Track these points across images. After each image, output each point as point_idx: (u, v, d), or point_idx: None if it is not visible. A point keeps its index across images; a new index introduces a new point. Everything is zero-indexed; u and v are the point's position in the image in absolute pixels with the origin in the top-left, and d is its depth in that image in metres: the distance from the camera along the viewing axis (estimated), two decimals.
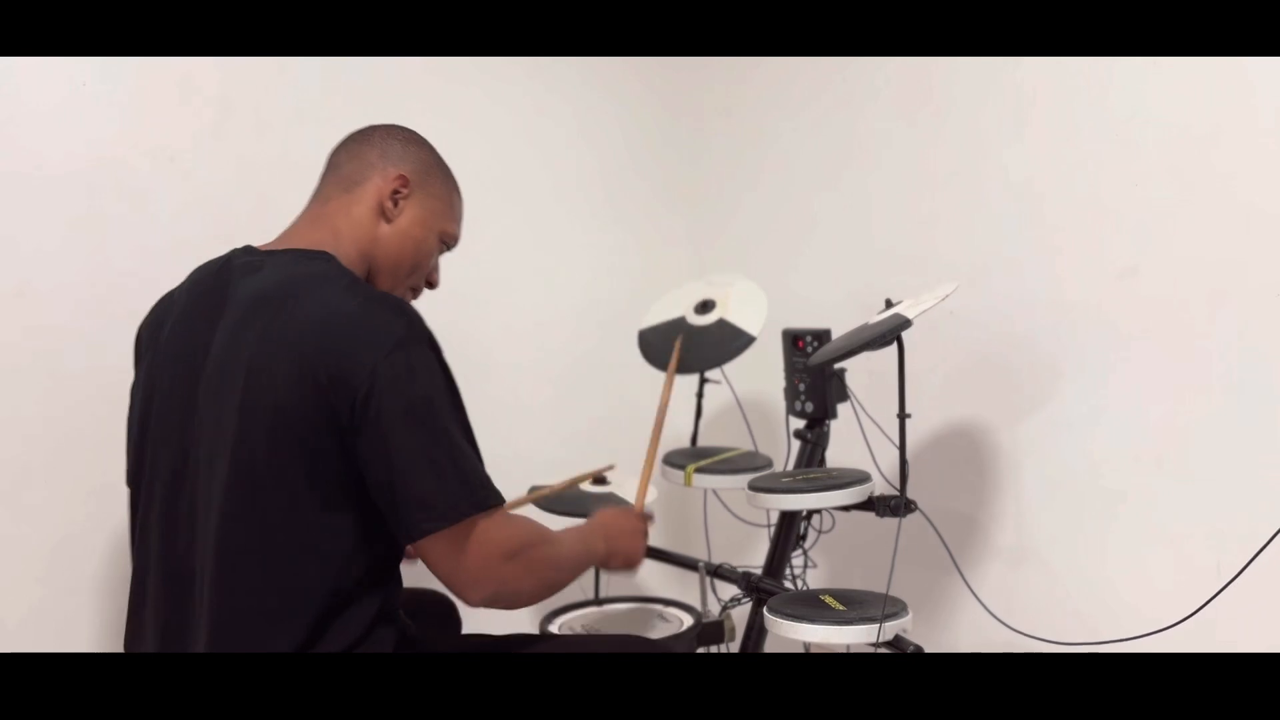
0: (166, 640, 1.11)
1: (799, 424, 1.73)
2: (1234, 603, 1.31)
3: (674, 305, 1.85)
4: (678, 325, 1.80)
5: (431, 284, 1.32)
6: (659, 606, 1.78)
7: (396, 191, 1.22)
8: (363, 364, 1.03)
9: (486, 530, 1.06)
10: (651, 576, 2.16)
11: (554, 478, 1.73)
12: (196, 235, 1.37)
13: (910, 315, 1.39)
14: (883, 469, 1.63)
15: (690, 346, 1.76)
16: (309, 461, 1.04)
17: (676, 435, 2.06)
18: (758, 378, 1.93)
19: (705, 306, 1.80)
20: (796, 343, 1.72)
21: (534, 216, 2.09)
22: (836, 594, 1.46)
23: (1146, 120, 1.54)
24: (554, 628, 1.71)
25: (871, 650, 1.38)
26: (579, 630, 1.70)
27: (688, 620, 1.69)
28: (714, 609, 1.72)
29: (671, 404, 1.66)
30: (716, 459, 1.75)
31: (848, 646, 1.39)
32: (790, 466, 1.77)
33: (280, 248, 1.17)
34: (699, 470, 1.70)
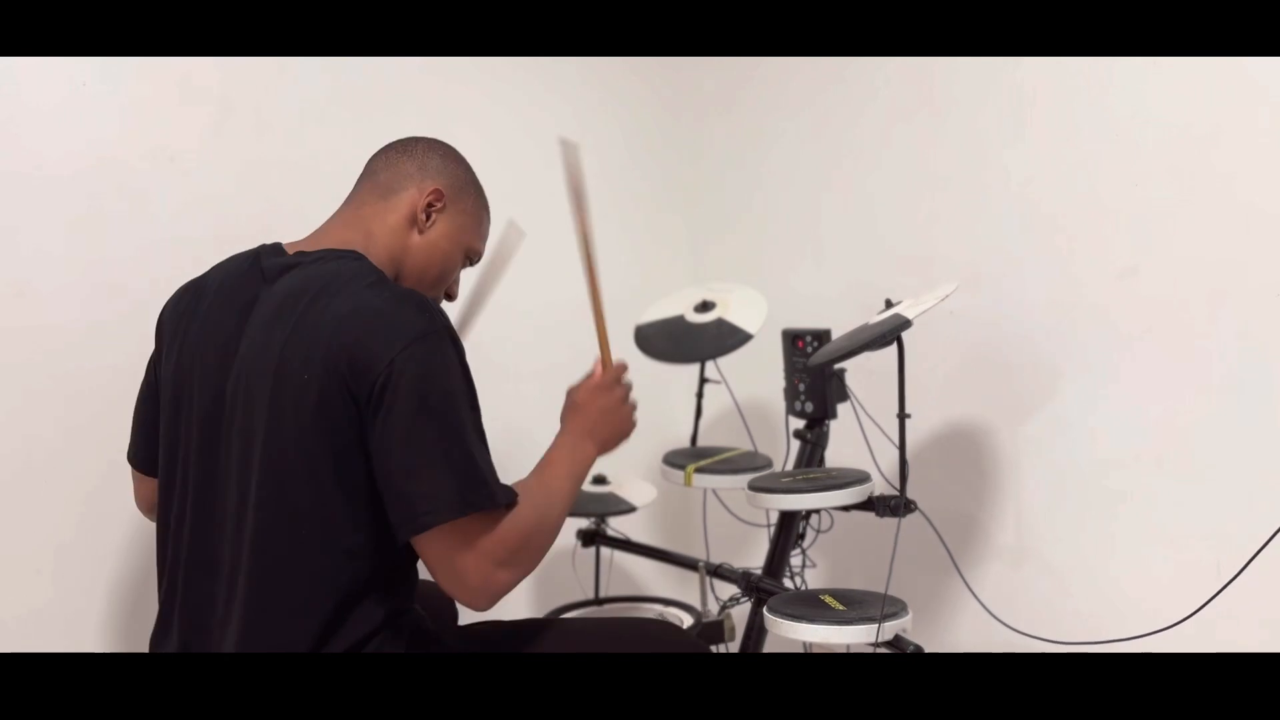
0: (194, 633, 1.12)
1: (799, 424, 1.73)
2: (1234, 602, 1.31)
3: (673, 305, 1.85)
4: (676, 323, 1.80)
5: (450, 296, 1.35)
6: (659, 606, 1.79)
7: (431, 204, 1.25)
8: (382, 355, 1.04)
9: (486, 533, 1.05)
10: (651, 576, 2.17)
11: None
12: (197, 235, 1.37)
13: (910, 315, 1.39)
14: (882, 469, 1.63)
15: (686, 339, 1.76)
16: (335, 456, 1.06)
17: (676, 435, 2.06)
18: (757, 378, 1.93)
19: (705, 306, 1.81)
20: (796, 343, 1.72)
21: (534, 216, 2.09)
22: (836, 594, 1.46)
23: (1146, 120, 1.54)
24: None
25: (871, 650, 1.38)
26: None
27: (688, 620, 1.69)
28: (714, 609, 1.72)
29: (665, 400, 1.65)
30: (716, 459, 1.75)
31: (847, 646, 1.39)
32: (790, 466, 1.77)
33: (312, 247, 1.19)
34: (699, 470, 1.70)
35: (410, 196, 1.24)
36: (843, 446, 1.71)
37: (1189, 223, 1.50)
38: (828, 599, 1.45)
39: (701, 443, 1.88)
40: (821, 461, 1.71)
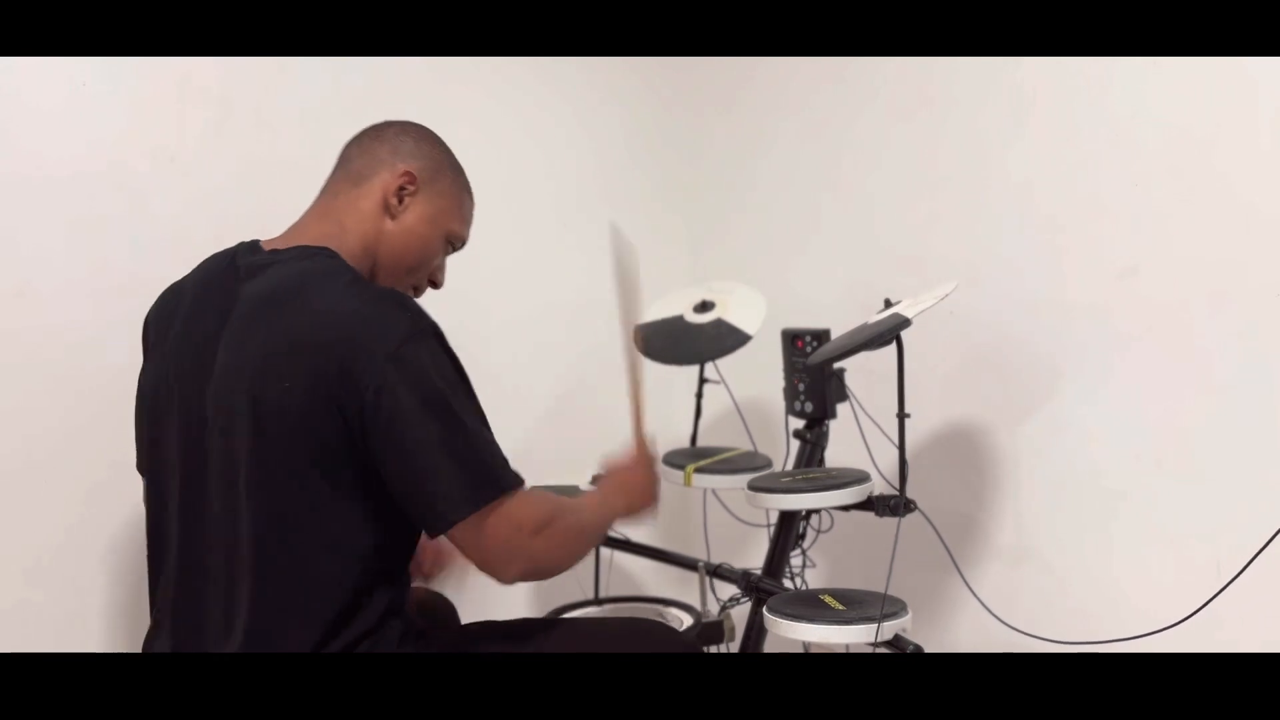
0: (183, 636, 1.12)
1: (798, 424, 1.73)
2: (1234, 602, 1.31)
3: (673, 304, 1.85)
4: (675, 323, 1.80)
5: (435, 284, 1.32)
6: (659, 606, 1.78)
7: (402, 188, 1.22)
8: (370, 362, 1.03)
9: (511, 510, 1.07)
10: (651, 576, 2.16)
11: (553, 477, 1.73)
12: (197, 235, 1.37)
13: (909, 315, 1.39)
14: (882, 469, 1.63)
15: (685, 340, 1.76)
16: (322, 459, 1.05)
17: (676, 435, 2.06)
18: (757, 378, 1.93)
19: (704, 306, 1.80)
20: (796, 342, 1.72)
21: (533, 215, 2.09)
22: (836, 594, 1.46)
23: (1146, 120, 1.54)
24: None
25: (871, 650, 1.38)
26: None
27: (687, 620, 1.69)
28: (713, 609, 1.72)
29: (664, 400, 1.65)
30: (716, 459, 1.75)
31: (847, 646, 1.39)
32: (790, 466, 1.77)
33: (286, 244, 1.17)
34: (698, 470, 1.70)
35: (382, 181, 1.21)
36: (842, 446, 1.71)
37: (1189, 223, 1.50)
38: (827, 599, 1.45)
39: (701, 443, 1.88)
40: (821, 461, 1.71)
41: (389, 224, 1.22)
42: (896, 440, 1.43)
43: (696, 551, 1.89)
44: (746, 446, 1.86)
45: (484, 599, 1.50)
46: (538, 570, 1.13)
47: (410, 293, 1.29)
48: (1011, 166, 1.71)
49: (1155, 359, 1.54)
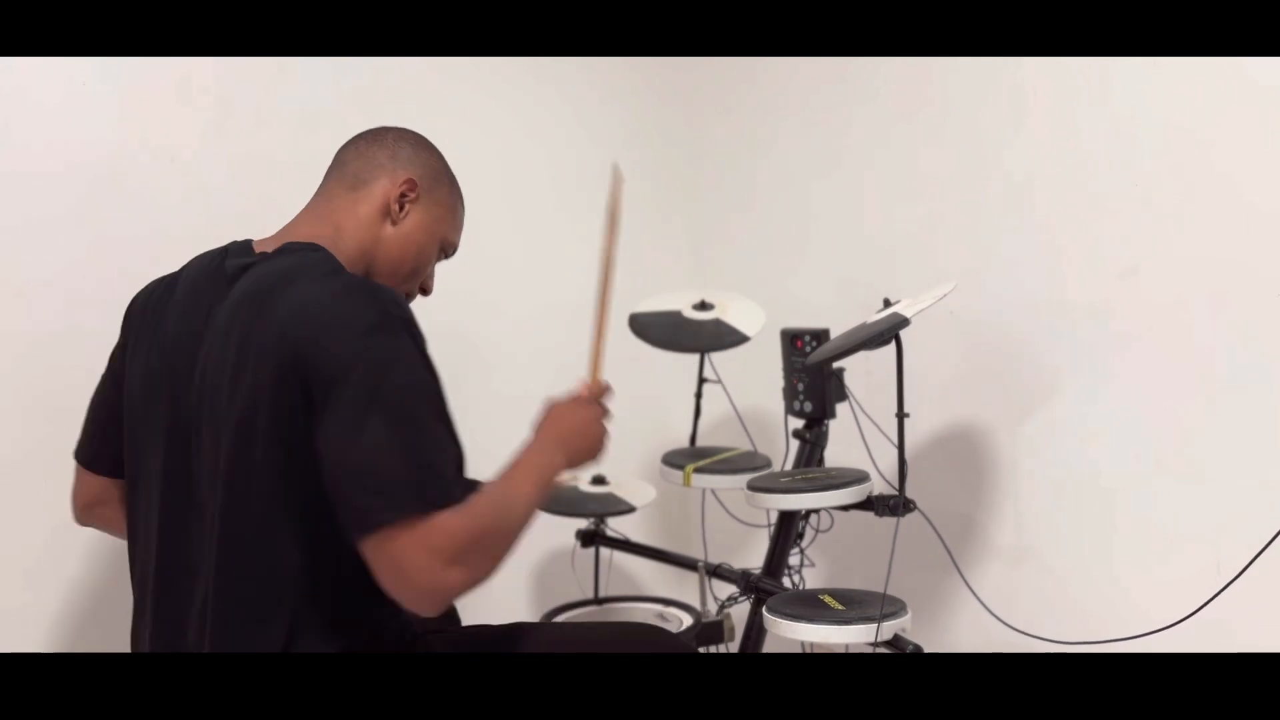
0: (165, 635, 1.11)
1: (798, 424, 1.73)
2: (1234, 602, 1.31)
3: (671, 300, 1.85)
4: (674, 316, 1.80)
5: (425, 290, 1.31)
6: (658, 606, 1.78)
7: (404, 195, 1.22)
8: (333, 349, 1.01)
9: (438, 529, 0.97)
10: (651, 576, 2.16)
11: None
12: (197, 234, 1.36)
13: (908, 314, 1.39)
14: (881, 469, 1.63)
15: (683, 333, 1.76)
16: (295, 456, 1.03)
17: (675, 435, 2.06)
18: (756, 378, 1.93)
19: (703, 306, 1.81)
20: (795, 342, 1.72)
21: (533, 215, 2.09)
22: (835, 594, 1.46)
23: (1146, 120, 1.54)
24: None
25: (870, 650, 1.38)
26: None
27: (687, 620, 1.69)
28: (713, 609, 1.72)
29: (664, 400, 1.64)
30: (715, 459, 1.75)
31: (846, 646, 1.39)
32: (789, 466, 1.77)
33: (277, 243, 1.17)
34: (698, 470, 1.70)
35: (382, 187, 1.21)
36: (842, 446, 1.71)
37: (1189, 223, 1.50)
38: (827, 599, 1.45)
39: (700, 443, 1.88)
40: (821, 461, 1.71)
41: (388, 230, 1.21)
42: (896, 440, 1.43)
43: (696, 551, 1.89)
44: (746, 446, 1.86)
45: (484, 599, 1.50)
46: (448, 599, 1.01)
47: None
48: (1011, 166, 1.71)
49: (1155, 359, 1.54)
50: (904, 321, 1.38)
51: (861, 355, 1.44)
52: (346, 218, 1.20)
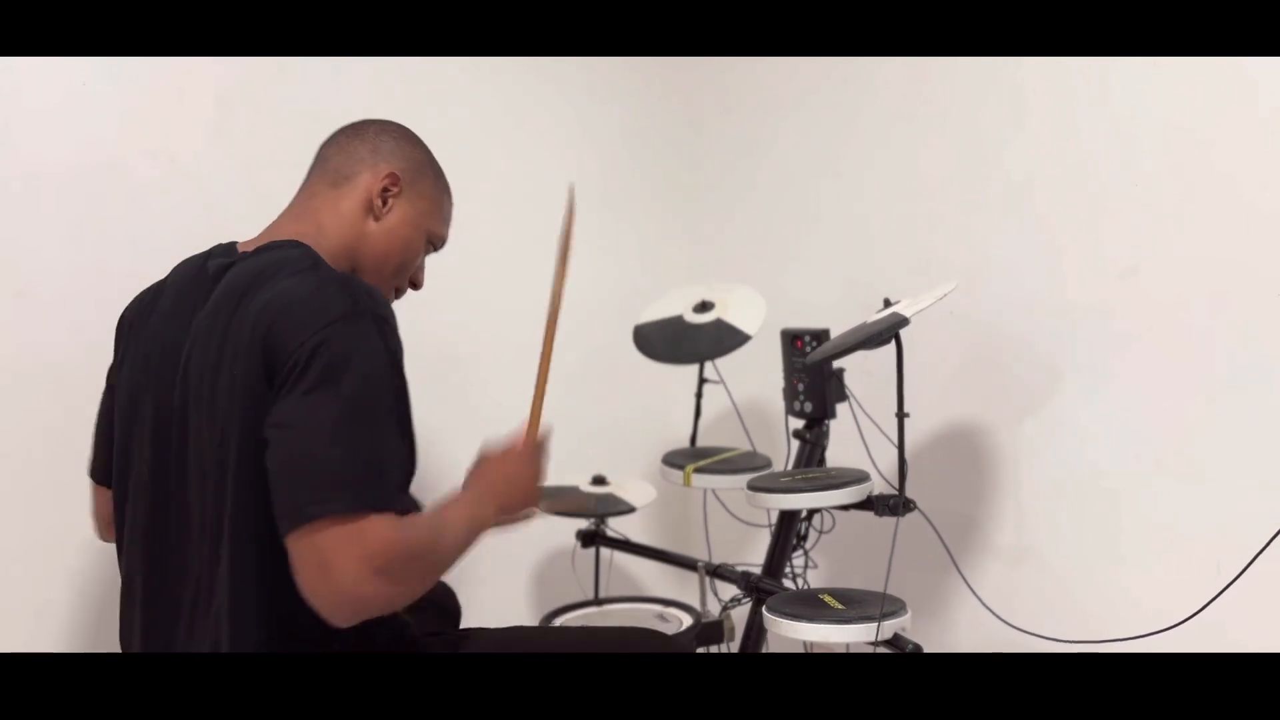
0: (153, 641, 1.11)
1: (798, 424, 1.73)
2: (1234, 602, 1.31)
3: (672, 304, 1.85)
4: (675, 323, 1.80)
5: (415, 285, 1.30)
6: (659, 606, 1.78)
7: (386, 189, 1.20)
8: (297, 335, 0.99)
9: (373, 535, 0.94)
10: (651, 576, 2.16)
11: (552, 479, 1.72)
12: (197, 235, 1.36)
13: (908, 314, 1.39)
14: (882, 468, 1.63)
15: (685, 340, 1.76)
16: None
17: (675, 435, 2.06)
18: (757, 378, 1.93)
19: (704, 306, 1.81)
20: (795, 342, 1.72)
21: (531, 217, 2.09)
22: (836, 593, 1.46)
23: (1146, 120, 1.54)
24: None
25: (871, 649, 1.38)
26: None
27: (687, 620, 1.69)
28: (714, 609, 1.72)
29: (664, 400, 1.64)
30: (715, 459, 1.75)
31: (847, 646, 1.39)
32: (789, 466, 1.77)
33: (260, 243, 1.16)
34: (698, 470, 1.70)
35: (364, 182, 1.19)
36: (842, 446, 1.71)
37: (1189, 223, 1.50)
38: (827, 598, 1.45)
39: (701, 443, 1.88)
40: (821, 461, 1.71)
41: (372, 226, 1.20)
42: (896, 440, 1.43)
43: (696, 551, 1.89)
44: (746, 446, 1.86)
45: (485, 598, 1.51)
46: (366, 609, 0.97)
47: (392, 295, 1.28)
48: (1011, 166, 1.71)
49: (1155, 359, 1.54)
50: (904, 321, 1.38)
51: (861, 355, 1.44)
52: (329, 214, 1.19)
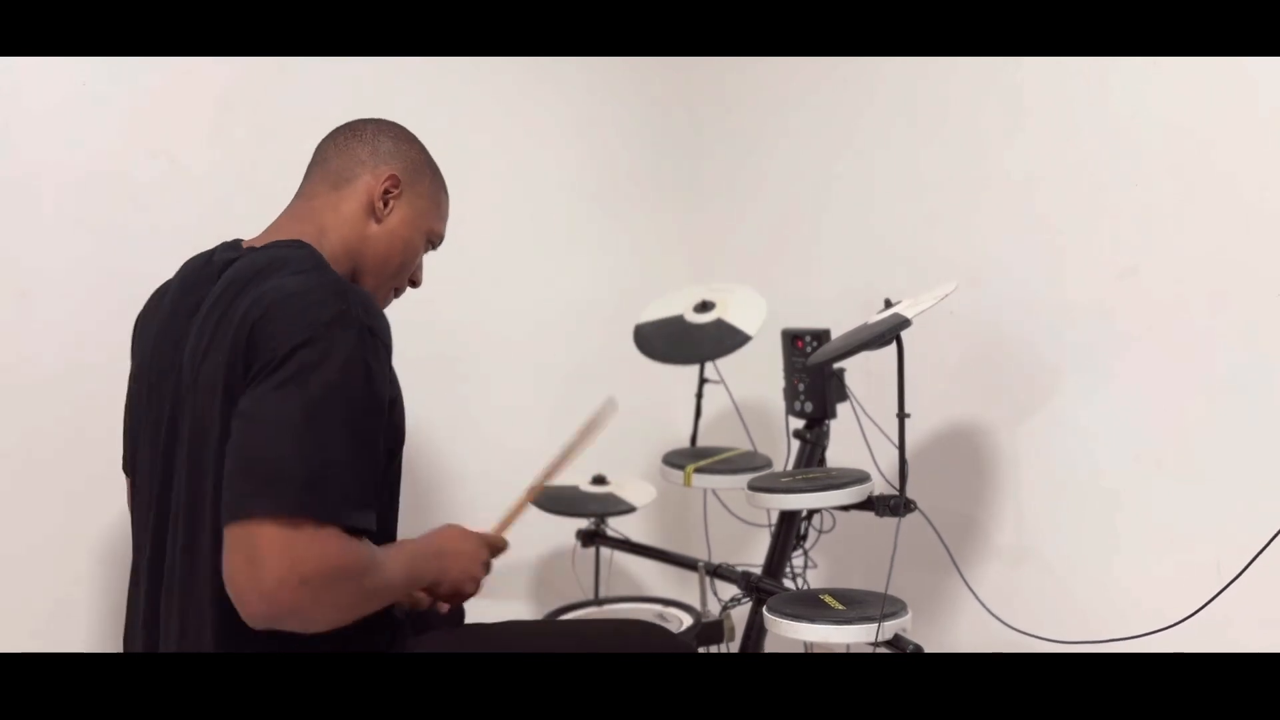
0: (150, 632, 1.11)
1: (798, 424, 1.73)
2: (1234, 602, 1.31)
3: (673, 304, 1.85)
4: (676, 322, 1.80)
5: (415, 283, 1.31)
6: (659, 606, 1.78)
7: (387, 191, 1.21)
8: (279, 333, 0.99)
9: (309, 543, 0.93)
10: (651, 576, 2.16)
11: (552, 480, 1.72)
12: (197, 235, 1.37)
13: (909, 315, 1.39)
14: (882, 469, 1.63)
15: (685, 341, 1.76)
16: None
17: (676, 435, 2.06)
18: (757, 378, 1.93)
19: (704, 306, 1.81)
20: (796, 343, 1.72)
21: (531, 217, 2.09)
22: (836, 594, 1.46)
23: (1146, 120, 1.54)
24: None
25: (871, 650, 1.38)
26: None
27: (687, 620, 1.69)
28: (714, 609, 1.72)
29: (665, 400, 1.64)
30: (716, 459, 1.75)
31: (847, 646, 1.39)
32: (790, 466, 1.77)
33: (263, 243, 1.17)
34: (698, 470, 1.70)
35: (365, 184, 1.20)
36: (842, 446, 1.71)
37: (1189, 223, 1.50)
38: (827, 599, 1.45)
39: (701, 443, 1.88)
40: (821, 461, 1.71)
41: (373, 227, 1.21)
42: (896, 440, 1.43)
43: (697, 551, 1.89)
44: (746, 446, 1.86)
45: (485, 598, 1.50)
46: (284, 615, 0.95)
47: (392, 295, 1.29)
48: (1011, 166, 1.71)
49: (1155, 359, 1.54)
50: (905, 322, 1.38)
51: (862, 355, 1.44)
52: (330, 216, 1.19)
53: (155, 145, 1.60)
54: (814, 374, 1.68)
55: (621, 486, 1.85)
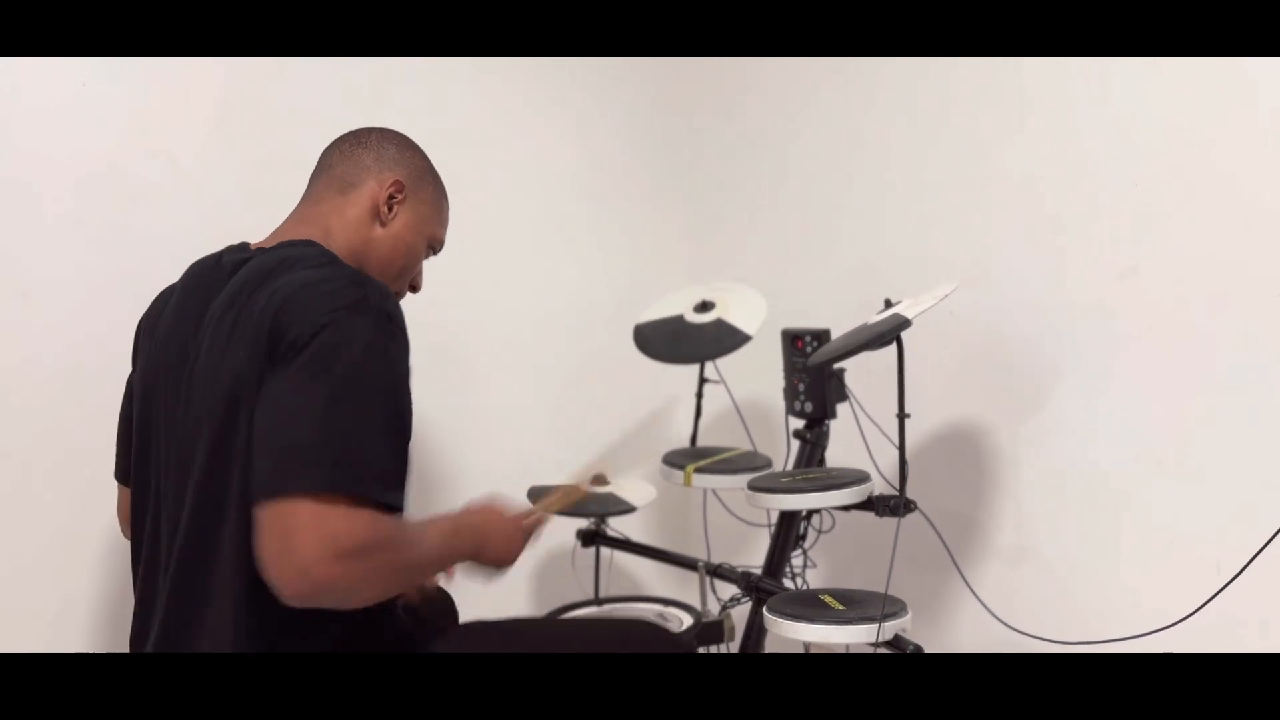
0: (165, 635, 1.11)
1: (798, 424, 1.73)
2: (1234, 602, 1.31)
3: (673, 304, 1.85)
4: (676, 322, 1.80)
5: (415, 288, 1.33)
6: (659, 606, 1.79)
7: (392, 196, 1.24)
8: (302, 319, 1.01)
9: (341, 519, 0.94)
10: (651, 576, 2.16)
11: (553, 479, 1.73)
12: (199, 236, 1.37)
13: (909, 315, 1.39)
14: (882, 469, 1.63)
15: (686, 340, 1.76)
16: None
17: (676, 435, 2.06)
18: (757, 378, 1.93)
19: (704, 306, 1.81)
20: (796, 343, 1.72)
21: (532, 217, 2.09)
22: (836, 594, 1.47)
23: (1146, 120, 1.54)
24: None
25: (871, 650, 1.38)
26: None
27: (687, 620, 1.69)
28: (714, 609, 1.72)
29: (664, 400, 1.64)
30: (716, 459, 1.75)
31: (847, 646, 1.39)
32: (790, 466, 1.77)
33: (271, 244, 1.19)
34: (698, 470, 1.70)
35: (370, 189, 1.23)
36: (842, 446, 1.71)
37: (1189, 223, 1.50)
38: (827, 599, 1.45)
39: (701, 443, 1.88)
40: (821, 461, 1.71)
41: (378, 231, 1.23)
42: (896, 440, 1.43)
43: (696, 551, 1.89)
44: (746, 446, 1.86)
45: (485, 598, 1.50)
46: (328, 598, 0.97)
47: None
48: (1011, 166, 1.71)
49: (1155, 359, 1.54)
50: (905, 322, 1.38)
51: (862, 355, 1.44)
52: (335, 221, 1.22)
53: (155, 145, 1.60)
54: (814, 374, 1.68)
55: (621, 486, 1.85)
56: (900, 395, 1.42)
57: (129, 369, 1.27)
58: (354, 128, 1.30)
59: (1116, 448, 1.59)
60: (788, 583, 1.66)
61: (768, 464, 1.74)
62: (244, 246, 1.20)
